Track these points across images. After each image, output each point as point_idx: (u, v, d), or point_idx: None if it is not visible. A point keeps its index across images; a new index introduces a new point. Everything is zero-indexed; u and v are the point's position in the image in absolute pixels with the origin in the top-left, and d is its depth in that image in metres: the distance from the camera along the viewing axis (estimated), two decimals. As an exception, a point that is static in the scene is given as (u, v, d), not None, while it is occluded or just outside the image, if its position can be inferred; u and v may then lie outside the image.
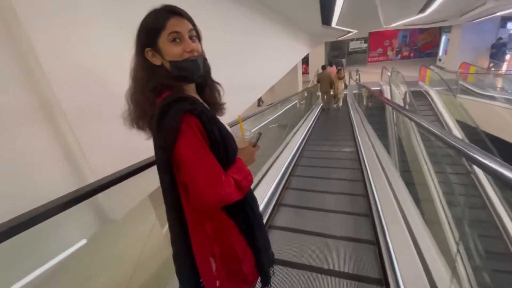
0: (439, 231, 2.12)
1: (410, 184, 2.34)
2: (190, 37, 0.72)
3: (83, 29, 1.25)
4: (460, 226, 2.00)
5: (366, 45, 16.88)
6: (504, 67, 9.36)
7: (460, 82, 7.85)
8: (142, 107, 0.73)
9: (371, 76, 13.02)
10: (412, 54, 16.45)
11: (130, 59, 0.75)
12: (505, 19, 10.15)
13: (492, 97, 6.68)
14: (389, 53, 16.80)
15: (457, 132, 6.55)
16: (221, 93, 0.89)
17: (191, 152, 0.66)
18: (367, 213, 2.36)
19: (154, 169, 0.78)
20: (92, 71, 1.29)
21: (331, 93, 8.25)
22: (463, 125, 6.52)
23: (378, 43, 16.62)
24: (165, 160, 0.68)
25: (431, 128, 1.45)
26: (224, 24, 2.64)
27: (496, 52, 9.18)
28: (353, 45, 17.22)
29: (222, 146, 0.72)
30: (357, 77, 10.01)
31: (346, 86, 9.29)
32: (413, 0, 5.36)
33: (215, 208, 0.75)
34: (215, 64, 0.87)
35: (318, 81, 8.25)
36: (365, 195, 2.71)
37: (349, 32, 8.66)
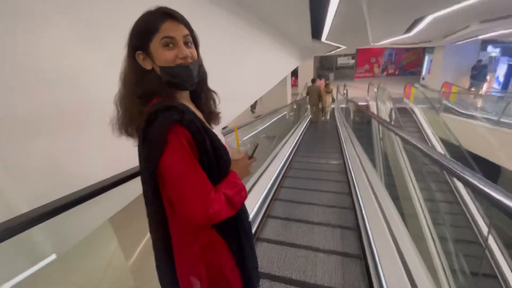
0: (423, 245, 2.16)
1: (395, 199, 2.39)
2: (186, 43, 0.68)
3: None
4: (443, 241, 2.12)
5: (353, 61, 17.34)
6: (484, 88, 9.76)
7: (444, 101, 8.07)
8: (130, 113, 0.68)
9: (358, 91, 13.29)
10: (397, 72, 17.02)
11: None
12: (485, 43, 10.68)
13: (474, 116, 6.87)
14: (376, 69, 17.31)
15: (440, 149, 6.68)
16: (217, 101, 0.85)
17: (178, 166, 0.62)
18: (354, 227, 2.39)
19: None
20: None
21: (319, 106, 8.41)
22: (446, 143, 6.67)
23: (365, 60, 17.11)
24: (149, 172, 0.63)
25: (416, 143, 1.55)
26: (211, 31, 2.52)
27: (477, 74, 9.59)
28: (341, 61, 17.64)
29: (214, 157, 0.68)
30: (345, 91, 10.14)
31: (333, 100, 9.46)
32: (400, 21, 5.48)
33: (203, 226, 0.70)
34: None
35: (307, 94, 8.39)
36: (352, 207, 2.78)
37: (338, 47, 8.81)
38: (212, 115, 0.84)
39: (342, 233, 2.30)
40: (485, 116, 6.32)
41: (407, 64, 16.67)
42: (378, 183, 2.67)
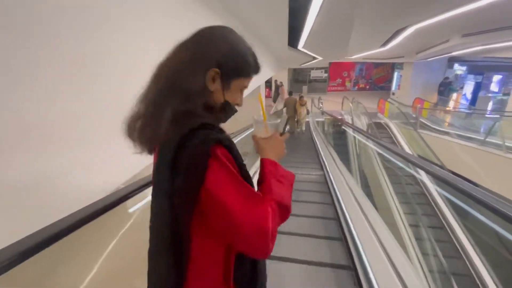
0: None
1: (369, 195, 2.80)
2: None
3: None
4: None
5: (326, 74, 17.41)
6: (451, 104, 9.96)
7: (421, 119, 7.92)
8: (161, 125, 0.55)
9: (331, 104, 13.12)
10: (367, 86, 17.35)
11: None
12: (452, 60, 11.07)
13: (457, 135, 6.71)
14: (347, 83, 17.51)
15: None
16: None
17: (227, 193, 0.51)
18: (336, 217, 2.91)
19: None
20: None
21: (295, 118, 8.74)
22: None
23: (338, 74, 17.25)
24: (184, 210, 0.53)
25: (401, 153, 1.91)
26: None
27: (443, 90, 9.78)
28: (314, 74, 17.64)
29: (244, 174, 0.59)
30: (321, 105, 9.77)
31: (308, 112, 9.46)
32: (383, 31, 5.13)
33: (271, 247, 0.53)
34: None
35: (285, 106, 8.69)
36: (331, 203, 3.35)
37: (314, 58, 8.42)
38: None
39: (324, 223, 2.85)
40: (468, 135, 6.11)
41: (376, 79, 17.07)
42: (354, 183, 3.02)
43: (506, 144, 4.36)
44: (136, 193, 1.17)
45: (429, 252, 2.72)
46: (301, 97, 8.72)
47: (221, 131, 0.61)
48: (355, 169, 4.33)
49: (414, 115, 9.17)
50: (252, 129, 0.78)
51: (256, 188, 0.61)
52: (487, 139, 4.86)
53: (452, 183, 1.10)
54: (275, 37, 4.59)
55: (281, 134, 0.75)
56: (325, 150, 5.37)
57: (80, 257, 1.03)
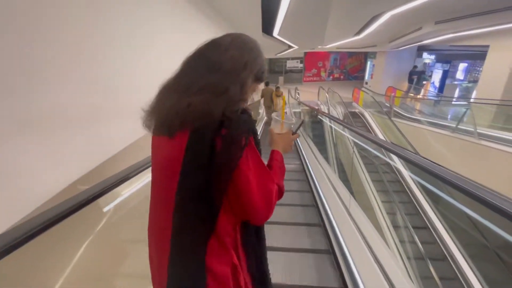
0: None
1: (345, 181, 2.84)
2: None
3: None
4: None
5: (302, 65, 17.32)
6: (423, 92, 10.27)
7: (394, 108, 8.02)
8: (210, 108, 0.59)
9: (307, 95, 13.06)
10: (342, 76, 17.53)
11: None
12: (421, 49, 11.38)
13: (427, 122, 6.84)
14: (322, 74, 17.57)
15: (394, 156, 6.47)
16: None
17: (253, 171, 0.62)
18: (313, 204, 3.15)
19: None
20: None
21: (272, 108, 8.89)
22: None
23: (313, 64, 17.22)
24: (221, 179, 0.60)
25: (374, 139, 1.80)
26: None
27: (417, 79, 10.03)
28: (290, 64, 17.47)
29: None
30: (298, 95, 9.61)
31: (285, 103, 8.93)
32: (360, 17, 4.97)
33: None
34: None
35: (262, 96, 8.89)
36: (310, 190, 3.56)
37: (290, 47, 8.16)
38: None
39: (304, 209, 3.06)
40: (441, 122, 6.22)
41: (350, 69, 17.29)
42: (331, 171, 3.16)
43: (478, 130, 4.43)
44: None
45: (401, 224, 3.06)
46: (277, 88, 8.78)
47: (250, 117, 0.66)
48: (332, 157, 4.35)
49: (387, 104, 9.35)
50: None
51: None
52: (459, 126, 4.93)
53: (420, 165, 1.11)
54: (249, 22, 4.25)
55: (293, 133, 0.86)
56: (303, 141, 5.23)
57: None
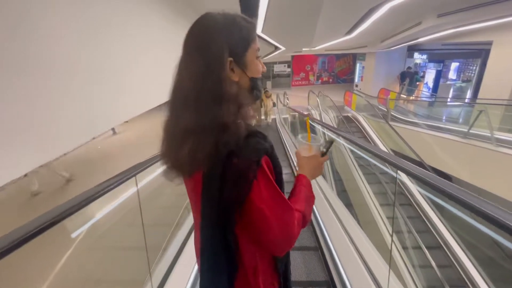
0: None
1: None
2: None
3: None
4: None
5: (289, 69, 16.81)
6: (416, 94, 9.85)
7: (392, 111, 7.46)
8: (206, 142, 0.55)
9: (297, 99, 12.49)
10: (330, 80, 17.12)
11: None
12: (411, 50, 11.02)
13: (430, 126, 6.29)
14: (311, 77, 17.11)
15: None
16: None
17: (266, 203, 0.56)
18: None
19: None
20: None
21: (262, 109, 9.21)
22: (400, 156, 5.88)
23: (301, 68, 16.74)
24: (230, 214, 0.57)
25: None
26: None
27: (409, 80, 9.61)
28: (277, 68, 16.92)
29: (279, 178, 0.63)
30: (287, 101, 8.98)
31: (274, 104, 9.79)
32: (355, 10, 4.38)
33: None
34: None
35: None
36: None
37: (276, 48, 7.54)
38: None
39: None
40: (446, 126, 5.66)
41: (339, 71, 16.91)
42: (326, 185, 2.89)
43: (496, 136, 3.86)
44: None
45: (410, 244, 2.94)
46: (265, 91, 9.08)
47: (265, 137, 0.59)
48: (328, 171, 3.96)
49: (380, 107, 8.85)
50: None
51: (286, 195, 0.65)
52: (471, 131, 4.36)
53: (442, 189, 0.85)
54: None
55: (323, 155, 0.78)
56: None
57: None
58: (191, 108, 0.56)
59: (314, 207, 2.31)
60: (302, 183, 0.70)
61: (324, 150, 0.77)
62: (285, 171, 4.45)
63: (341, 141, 3.98)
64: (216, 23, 0.57)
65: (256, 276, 0.64)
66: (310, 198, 0.69)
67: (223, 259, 0.61)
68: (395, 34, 6.49)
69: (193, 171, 0.60)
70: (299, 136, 0.80)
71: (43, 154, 1.36)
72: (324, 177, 3.31)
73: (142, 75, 2.45)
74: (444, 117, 6.54)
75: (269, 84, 16.58)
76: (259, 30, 4.35)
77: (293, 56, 16.05)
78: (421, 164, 5.16)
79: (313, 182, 0.75)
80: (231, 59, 0.57)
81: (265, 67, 0.66)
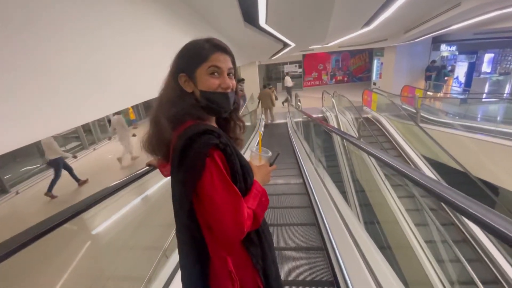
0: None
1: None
2: (228, 74, 0.75)
3: None
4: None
5: (300, 69, 15.96)
6: (445, 90, 8.76)
7: (422, 112, 6.49)
8: (162, 131, 0.74)
9: (310, 101, 11.64)
10: (345, 79, 16.12)
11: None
12: (436, 41, 9.91)
13: (471, 127, 5.32)
14: (324, 77, 16.19)
15: (430, 173, 4.93)
16: (242, 129, 0.91)
17: (216, 190, 0.65)
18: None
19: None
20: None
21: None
22: (436, 165, 4.95)
23: (313, 67, 15.86)
24: (186, 196, 0.67)
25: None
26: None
27: (436, 75, 8.54)
28: (288, 69, 16.13)
29: (242, 178, 0.73)
30: (299, 103, 8.16)
31: (276, 98, 9.89)
32: (367, 4, 3.61)
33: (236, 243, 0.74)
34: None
35: (259, 99, 9.35)
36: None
37: (285, 45, 6.78)
38: (237, 141, 0.89)
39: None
40: (494, 128, 4.70)
41: (354, 70, 15.89)
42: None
43: None
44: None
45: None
46: (270, 87, 9.40)
47: (219, 136, 0.68)
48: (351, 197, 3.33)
49: (404, 106, 7.85)
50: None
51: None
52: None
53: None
54: (223, 7, 2.86)
55: (270, 165, 0.90)
56: (308, 163, 3.80)
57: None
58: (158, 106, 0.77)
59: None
60: (255, 186, 0.77)
61: (271, 161, 0.90)
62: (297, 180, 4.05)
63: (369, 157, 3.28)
64: (181, 48, 0.75)
65: (230, 268, 0.72)
66: (263, 201, 0.75)
67: (192, 250, 0.72)
68: (423, 21, 5.56)
69: (165, 153, 0.77)
70: (254, 148, 0.89)
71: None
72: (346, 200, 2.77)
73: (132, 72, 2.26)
74: (488, 116, 5.52)
75: (279, 85, 15.81)
76: (262, 22, 3.61)
77: (304, 55, 15.21)
78: (466, 175, 4.26)
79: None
80: (183, 74, 0.73)
81: (229, 84, 0.74)
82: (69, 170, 5.29)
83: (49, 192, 4.91)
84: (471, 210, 0.60)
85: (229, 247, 0.73)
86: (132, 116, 10.47)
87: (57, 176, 5.03)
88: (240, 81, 11.65)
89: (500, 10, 4.40)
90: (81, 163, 6.89)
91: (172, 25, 2.58)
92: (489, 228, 0.55)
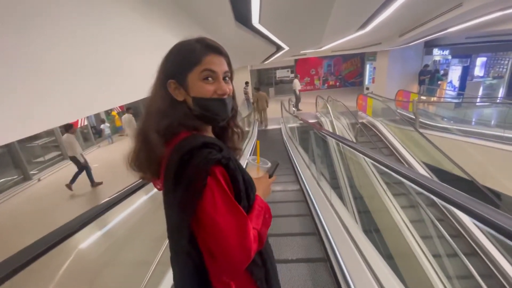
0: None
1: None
2: (224, 78, 0.66)
3: None
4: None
5: (293, 75, 15.79)
6: (438, 94, 8.67)
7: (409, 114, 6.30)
8: (151, 146, 0.62)
9: (303, 106, 11.39)
10: (338, 83, 16.03)
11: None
12: (429, 46, 9.87)
13: (473, 132, 5.12)
14: (316, 82, 16.07)
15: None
16: (241, 137, 0.81)
17: (220, 212, 0.56)
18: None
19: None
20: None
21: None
22: (438, 172, 4.72)
23: (305, 72, 15.72)
24: (184, 221, 0.58)
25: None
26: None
27: (430, 79, 8.44)
28: (280, 74, 15.95)
29: (245, 194, 0.65)
30: (293, 108, 7.88)
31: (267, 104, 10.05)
32: (367, 4, 3.37)
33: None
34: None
35: (254, 102, 9.19)
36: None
37: (278, 48, 6.51)
38: (236, 151, 0.80)
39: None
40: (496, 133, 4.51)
41: (346, 74, 15.83)
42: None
43: None
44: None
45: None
46: (257, 89, 9.47)
47: (221, 149, 0.60)
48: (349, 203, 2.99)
49: (399, 111, 7.68)
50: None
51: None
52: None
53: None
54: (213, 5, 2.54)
55: (270, 177, 0.82)
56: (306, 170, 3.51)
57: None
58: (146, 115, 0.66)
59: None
60: (257, 202, 0.69)
61: (270, 172, 0.81)
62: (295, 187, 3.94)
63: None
64: (169, 51, 0.65)
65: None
66: (266, 219, 0.68)
67: (193, 278, 0.63)
68: (421, 24, 5.39)
69: (155, 170, 0.64)
70: (250, 158, 0.82)
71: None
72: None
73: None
74: (487, 120, 5.36)
75: (271, 90, 15.59)
76: (255, 21, 3.30)
77: (296, 60, 15.07)
78: (467, 181, 4.04)
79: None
80: (173, 80, 0.63)
81: (224, 89, 0.65)
82: (87, 170, 5.45)
83: (70, 184, 5.26)
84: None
85: (233, 274, 0.64)
86: (118, 123, 9.98)
87: (81, 170, 5.32)
88: (245, 83, 11.42)
89: (502, 11, 4.24)
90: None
91: (159, 24, 2.26)
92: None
